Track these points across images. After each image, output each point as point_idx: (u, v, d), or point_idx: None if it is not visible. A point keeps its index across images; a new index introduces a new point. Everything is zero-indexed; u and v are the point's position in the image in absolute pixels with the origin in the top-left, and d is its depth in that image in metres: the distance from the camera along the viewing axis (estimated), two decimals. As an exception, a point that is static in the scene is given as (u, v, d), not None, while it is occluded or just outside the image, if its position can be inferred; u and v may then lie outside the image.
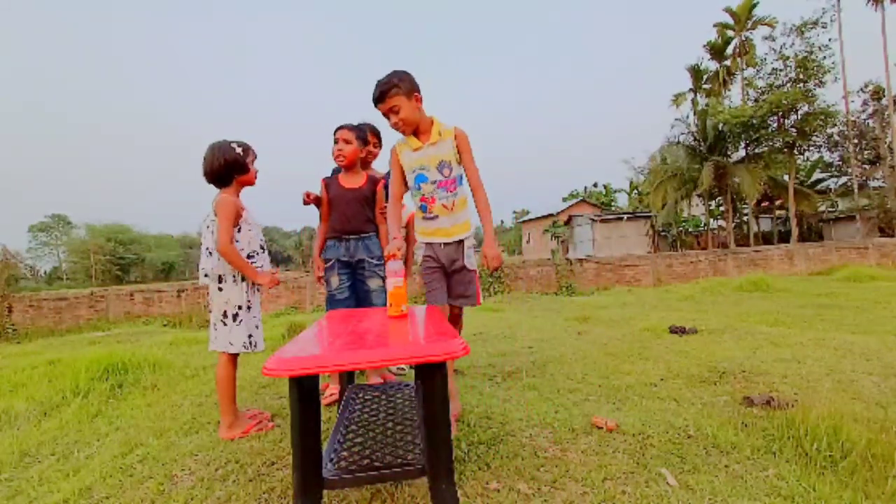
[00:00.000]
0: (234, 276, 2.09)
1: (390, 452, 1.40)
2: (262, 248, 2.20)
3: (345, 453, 1.41)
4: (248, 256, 2.11)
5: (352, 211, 2.49)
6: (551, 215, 30.80)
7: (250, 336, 2.10)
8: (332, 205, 2.57)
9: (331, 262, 2.56)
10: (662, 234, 26.57)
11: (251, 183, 2.23)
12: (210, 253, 2.10)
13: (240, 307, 2.09)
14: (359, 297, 2.55)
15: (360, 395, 2.00)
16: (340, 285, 2.52)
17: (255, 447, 1.89)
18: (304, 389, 1.18)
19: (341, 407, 1.89)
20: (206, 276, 2.13)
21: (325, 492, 1.26)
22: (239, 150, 2.13)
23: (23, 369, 3.52)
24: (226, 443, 1.96)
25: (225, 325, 2.08)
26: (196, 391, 2.81)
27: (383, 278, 2.44)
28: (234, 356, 2.10)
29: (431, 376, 1.25)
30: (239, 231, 2.10)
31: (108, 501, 1.56)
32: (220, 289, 2.09)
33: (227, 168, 2.11)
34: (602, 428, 1.90)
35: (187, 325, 10.12)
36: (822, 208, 24.72)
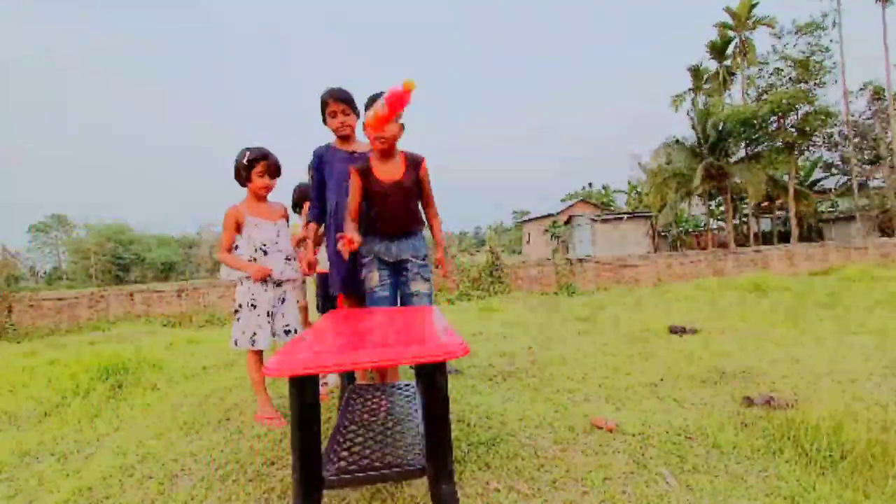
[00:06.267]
0: (239, 279, 2.21)
1: (390, 452, 1.40)
2: (263, 251, 2.18)
3: (345, 453, 1.41)
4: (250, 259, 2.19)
5: (395, 210, 2.12)
6: (551, 215, 30.73)
7: (254, 334, 2.14)
8: (369, 200, 2.14)
9: (369, 258, 2.18)
10: (662, 234, 26.56)
11: (255, 194, 2.20)
12: None
13: (240, 305, 2.18)
14: (401, 300, 2.24)
15: (360, 395, 2.00)
16: (381, 282, 2.16)
17: (255, 447, 1.90)
18: (304, 389, 1.18)
19: (341, 407, 1.89)
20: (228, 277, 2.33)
21: (325, 492, 1.26)
22: (245, 159, 2.13)
23: (23, 369, 3.51)
24: (226, 442, 1.97)
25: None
26: (196, 391, 2.81)
27: (428, 280, 2.23)
28: (251, 351, 2.18)
29: (431, 376, 1.25)
30: (241, 237, 2.19)
31: (108, 501, 1.56)
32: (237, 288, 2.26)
33: (235, 174, 2.19)
34: (602, 428, 1.90)
35: (187, 325, 10.10)
36: (822, 208, 24.70)
